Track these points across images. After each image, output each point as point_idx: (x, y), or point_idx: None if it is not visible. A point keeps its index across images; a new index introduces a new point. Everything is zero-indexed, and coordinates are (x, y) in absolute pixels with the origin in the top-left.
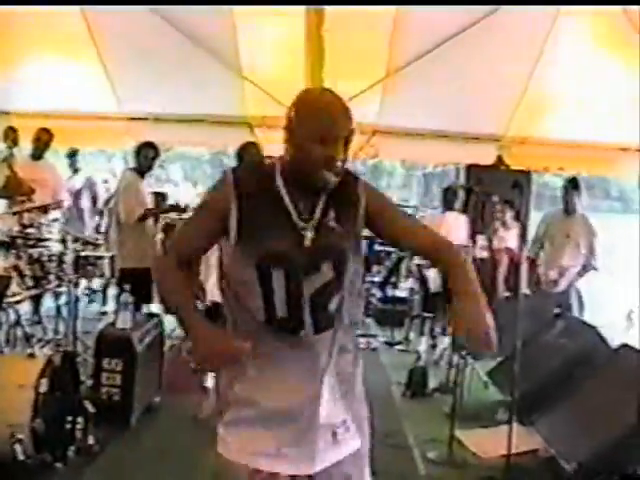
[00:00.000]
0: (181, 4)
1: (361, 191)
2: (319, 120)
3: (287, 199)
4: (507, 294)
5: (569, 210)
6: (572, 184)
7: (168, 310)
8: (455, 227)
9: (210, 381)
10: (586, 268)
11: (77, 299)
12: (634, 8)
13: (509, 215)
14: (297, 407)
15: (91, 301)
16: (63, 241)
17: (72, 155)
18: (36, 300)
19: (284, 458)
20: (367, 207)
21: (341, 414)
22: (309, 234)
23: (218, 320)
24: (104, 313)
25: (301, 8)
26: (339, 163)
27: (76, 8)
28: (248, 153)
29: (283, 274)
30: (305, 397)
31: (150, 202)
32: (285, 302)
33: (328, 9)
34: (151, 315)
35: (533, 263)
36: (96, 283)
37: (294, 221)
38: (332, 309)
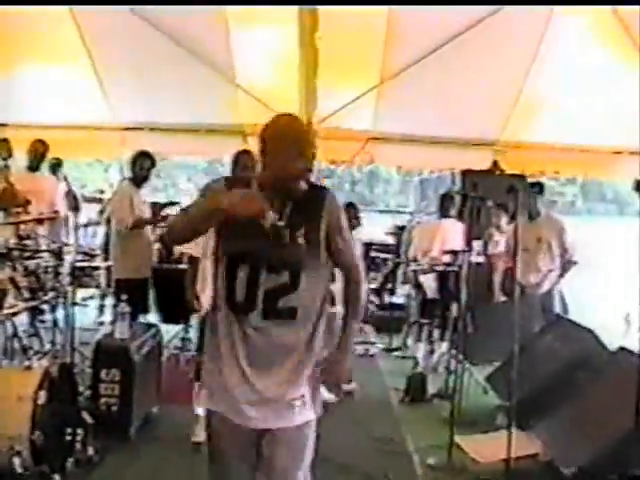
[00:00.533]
0: (176, 4)
1: (327, 204)
2: (297, 140)
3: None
4: (504, 299)
5: (533, 214)
6: (537, 188)
7: (199, 222)
8: (451, 233)
9: (201, 409)
10: (566, 266)
11: (73, 309)
12: (626, 8)
13: (504, 220)
14: (248, 379)
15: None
16: (59, 252)
17: (55, 166)
18: (32, 312)
19: (240, 414)
20: (327, 219)
21: (298, 390)
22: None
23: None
24: (101, 323)
25: (294, 15)
26: (309, 173)
27: (69, 19)
28: (242, 160)
29: (248, 269)
30: (258, 371)
31: (147, 212)
32: (244, 290)
33: (322, 16)
34: (149, 325)
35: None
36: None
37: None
38: (282, 305)
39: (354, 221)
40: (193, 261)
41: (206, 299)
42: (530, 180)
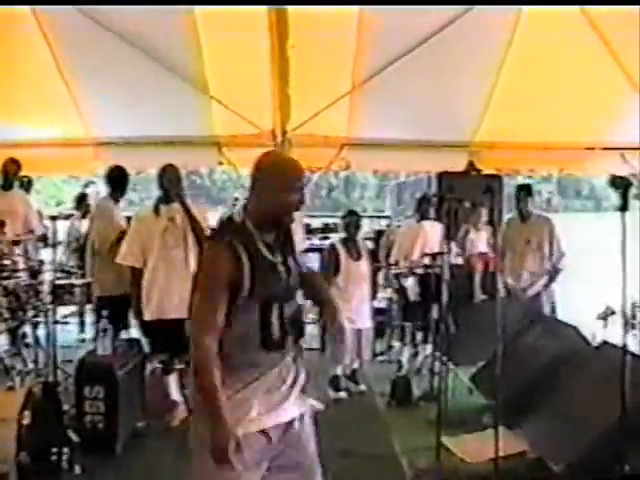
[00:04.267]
0: (155, 4)
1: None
2: (290, 176)
3: (265, 249)
4: (483, 297)
5: (524, 216)
6: (525, 191)
7: (200, 393)
8: (433, 235)
9: (175, 393)
10: (552, 271)
11: (54, 327)
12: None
13: (483, 219)
14: (278, 391)
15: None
16: (38, 271)
17: (26, 185)
18: (14, 331)
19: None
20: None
21: (303, 396)
22: (281, 268)
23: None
24: (83, 340)
25: (265, 24)
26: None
27: (39, 34)
28: (167, 174)
29: (278, 307)
30: (283, 388)
31: (125, 226)
32: (279, 327)
33: (292, 24)
34: (131, 340)
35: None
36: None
37: (271, 261)
38: (299, 324)
39: (353, 229)
40: (135, 272)
41: (151, 309)
42: (520, 183)
